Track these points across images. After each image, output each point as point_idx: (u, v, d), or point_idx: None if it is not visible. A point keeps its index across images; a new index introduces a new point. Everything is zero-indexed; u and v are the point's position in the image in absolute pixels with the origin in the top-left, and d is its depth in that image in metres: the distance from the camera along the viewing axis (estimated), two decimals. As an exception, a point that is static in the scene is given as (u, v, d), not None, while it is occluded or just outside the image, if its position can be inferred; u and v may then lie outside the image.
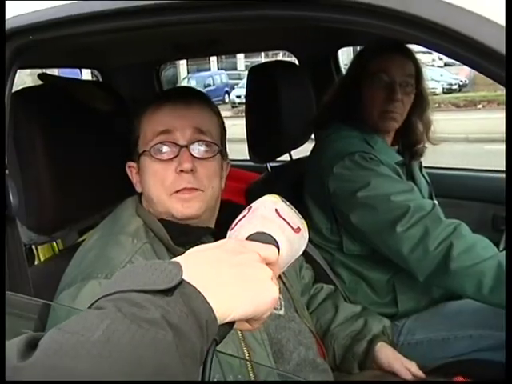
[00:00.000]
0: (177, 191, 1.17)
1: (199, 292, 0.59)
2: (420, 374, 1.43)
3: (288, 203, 0.89)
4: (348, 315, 1.56)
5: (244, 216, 0.87)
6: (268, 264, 0.72)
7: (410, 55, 1.82)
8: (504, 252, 1.55)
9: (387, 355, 1.45)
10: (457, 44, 0.74)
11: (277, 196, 0.90)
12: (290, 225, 0.83)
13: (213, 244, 0.72)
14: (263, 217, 0.84)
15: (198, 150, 1.20)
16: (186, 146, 1.18)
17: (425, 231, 1.54)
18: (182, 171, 1.16)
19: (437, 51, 0.84)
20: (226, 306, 0.61)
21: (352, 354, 1.47)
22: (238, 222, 0.87)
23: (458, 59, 0.79)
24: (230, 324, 0.64)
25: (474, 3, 0.72)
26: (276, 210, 0.85)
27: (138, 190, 1.26)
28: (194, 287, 0.59)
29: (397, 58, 1.80)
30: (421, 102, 1.87)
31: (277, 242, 0.79)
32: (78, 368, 0.48)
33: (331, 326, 1.53)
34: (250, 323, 0.68)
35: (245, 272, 0.66)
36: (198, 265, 0.65)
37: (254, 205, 0.88)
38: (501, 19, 0.69)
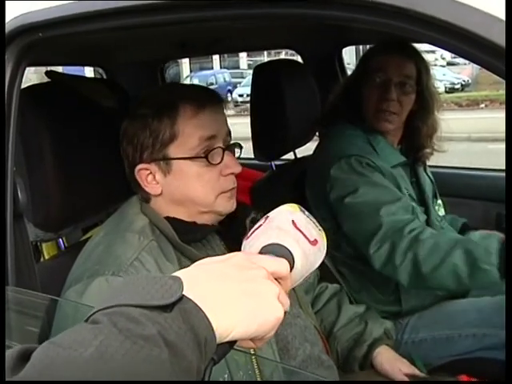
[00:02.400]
0: (225, 191, 1.22)
1: (200, 308, 0.58)
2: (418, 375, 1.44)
3: (307, 213, 0.87)
4: (351, 317, 1.56)
5: (260, 226, 0.85)
6: (279, 278, 0.71)
7: (413, 56, 1.82)
8: (469, 235, 1.59)
9: (381, 363, 1.46)
10: (464, 41, 0.74)
11: (295, 206, 0.88)
12: (306, 237, 0.82)
13: (219, 257, 0.71)
14: (279, 228, 0.82)
15: (236, 152, 1.27)
16: (226, 149, 1.22)
17: (391, 248, 1.57)
18: (231, 173, 1.22)
19: (443, 48, 0.84)
20: (226, 324, 0.60)
21: (353, 358, 1.48)
22: (253, 232, 0.85)
23: (465, 56, 0.79)
24: (231, 343, 0.63)
25: (481, 1, 0.72)
26: (293, 221, 0.83)
27: (155, 192, 1.21)
28: (194, 303, 0.58)
29: (396, 57, 1.80)
30: (424, 104, 1.86)
31: (292, 254, 0.78)
32: None
33: (334, 329, 1.53)
34: (254, 341, 0.67)
35: (248, 290, 0.64)
36: (201, 280, 0.63)
37: (270, 214, 0.87)
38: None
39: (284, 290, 0.71)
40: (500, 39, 0.70)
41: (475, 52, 0.75)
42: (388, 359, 1.47)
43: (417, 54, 1.83)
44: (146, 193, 1.23)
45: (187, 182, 1.20)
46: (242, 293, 0.64)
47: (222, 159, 1.20)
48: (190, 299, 0.58)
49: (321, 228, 0.88)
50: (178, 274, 0.63)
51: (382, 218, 1.61)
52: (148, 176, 1.21)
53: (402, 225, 1.61)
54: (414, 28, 0.78)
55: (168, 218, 1.20)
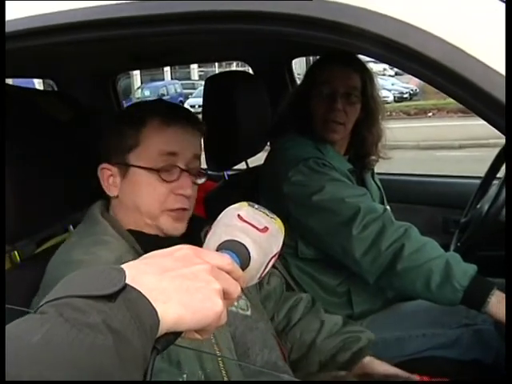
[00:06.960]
0: (171, 210, 1.23)
1: (144, 296, 0.60)
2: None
3: (257, 206, 0.92)
4: (332, 328, 1.52)
5: (211, 228, 0.90)
6: (229, 272, 0.72)
7: (357, 67, 1.87)
8: (452, 252, 1.62)
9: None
10: (405, 57, 0.79)
11: (243, 203, 0.93)
12: (254, 226, 0.86)
13: (166, 250, 0.72)
14: (225, 225, 0.88)
15: (197, 177, 1.27)
16: (186, 171, 1.24)
17: (378, 232, 1.58)
18: (181, 194, 1.22)
19: (385, 62, 0.89)
20: (169, 314, 0.62)
21: (335, 363, 1.45)
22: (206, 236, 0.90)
23: (405, 70, 0.84)
24: (175, 334, 0.64)
25: (423, 20, 0.77)
26: (238, 215, 0.88)
27: (112, 193, 1.25)
28: (138, 292, 0.60)
29: (341, 69, 1.85)
30: (369, 114, 1.91)
31: (245, 246, 0.83)
32: (19, 374, 0.48)
33: (317, 340, 1.50)
34: (199, 333, 0.69)
35: (190, 285, 0.66)
36: (144, 272, 0.65)
37: (219, 216, 0.92)
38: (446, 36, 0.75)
39: (238, 282, 0.73)
40: (440, 56, 0.75)
41: (417, 68, 0.80)
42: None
43: (361, 65, 1.89)
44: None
45: (137, 189, 1.22)
46: (183, 288, 0.65)
47: (178, 179, 1.22)
48: (135, 288, 0.60)
49: (273, 216, 0.92)
50: (122, 266, 0.65)
51: (356, 204, 1.64)
52: (109, 177, 1.24)
53: (382, 211, 1.64)
54: (357, 43, 0.82)
55: (129, 231, 1.22)
